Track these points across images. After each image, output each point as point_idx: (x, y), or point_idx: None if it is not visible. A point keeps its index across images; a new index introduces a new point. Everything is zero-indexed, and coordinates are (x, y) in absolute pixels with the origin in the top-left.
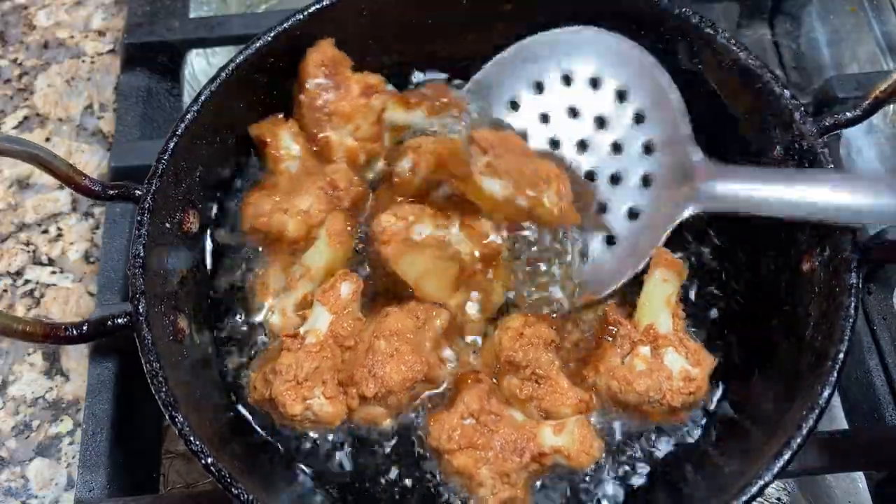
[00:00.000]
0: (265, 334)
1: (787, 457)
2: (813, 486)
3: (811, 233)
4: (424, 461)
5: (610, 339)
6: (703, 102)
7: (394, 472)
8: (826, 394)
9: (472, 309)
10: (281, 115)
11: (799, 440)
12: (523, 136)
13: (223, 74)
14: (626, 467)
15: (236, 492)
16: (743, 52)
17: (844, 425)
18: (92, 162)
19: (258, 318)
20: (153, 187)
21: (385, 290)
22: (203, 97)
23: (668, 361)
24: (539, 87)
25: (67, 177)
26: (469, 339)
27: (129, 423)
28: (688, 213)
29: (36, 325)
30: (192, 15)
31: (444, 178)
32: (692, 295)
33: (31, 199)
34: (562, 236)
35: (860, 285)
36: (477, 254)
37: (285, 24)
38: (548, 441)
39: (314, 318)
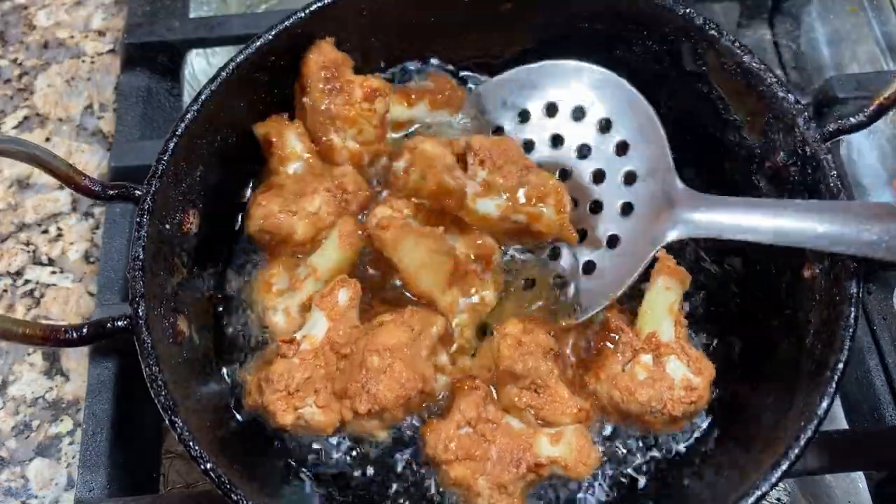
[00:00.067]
0: (266, 335)
1: (784, 466)
2: (813, 486)
3: None
4: (425, 467)
5: (611, 345)
6: (706, 105)
7: (395, 478)
8: (825, 404)
9: (464, 310)
10: (286, 115)
11: (797, 450)
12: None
13: (223, 74)
14: (623, 473)
15: (236, 498)
16: (747, 54)
17: (844, 425)
18: (92, 162)
19: (261, 318)
20: (153, 188)
21: (380, 288)
22: (203, 97)
23: (670, 370)
24: (524, 116)
25: (67, 177)
26: (464, 343)
27: (129, 423)
28: (667, 240)
29: (35, 327)
30: (192, 15)
31: (438, 201)
32: (692, 300)
33: (31, 199)
34: (548, 255)
35: (861, 294)
36: (472, 255)
37: (286, 23)
38: (545, 451)
39: (311, 323)
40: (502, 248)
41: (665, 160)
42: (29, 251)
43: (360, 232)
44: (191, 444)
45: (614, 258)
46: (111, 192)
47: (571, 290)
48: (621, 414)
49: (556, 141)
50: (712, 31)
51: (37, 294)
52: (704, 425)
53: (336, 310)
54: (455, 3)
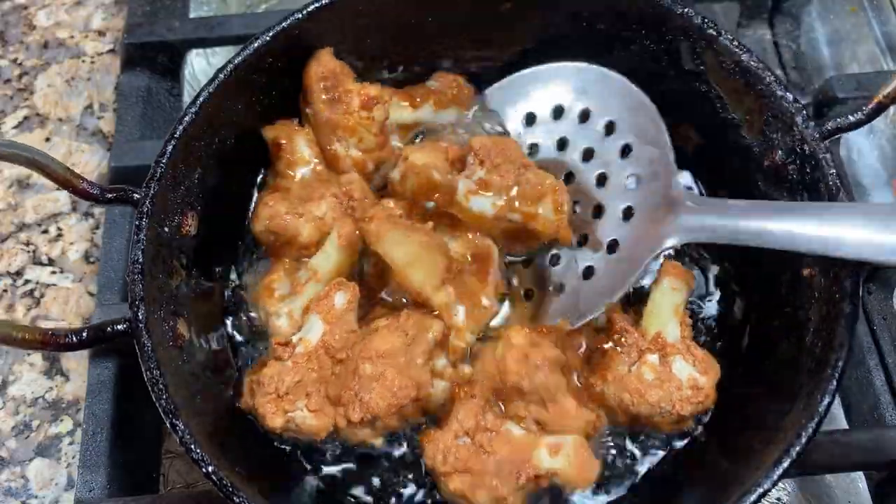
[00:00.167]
0: (269, 339)
1: (785, 464)
2: (813, 486)
3: None
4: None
5: (616, 346)
6: (704, 104)
7: (397, 482)
8: (826, 402)
9: (462, 313)
10: (296, 121)
11: (798, 448)
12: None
13: (221, 76)
14: (624, 472)
15: (238, 500)
16: (745, 53)
17: (844, 425)
18: (92, 162)
19: (265, 323)
20: (151, 191)
21: (379, 291)
22: (201, 99)
23: (677, 370)
24: (531, 118)
25: (65, 180)
26: (464, 347)
27: (129, 423)
28: (665, 246)
29: (35, 332)
30: (192, 15)
31: (427, 196)
32: (693, 298)
33: (31, 199)
34: (548, 262)
35: (860, 292)
36: (468, 256)
37: (283, 24)
38: (545, 463)
39: (308, 326)
40: (503, 252)
41: (667, 162)
42: (29, 251)
43: (358, 233)
44: (192, 447)
45: (613, 263)
46: (109, 196)
47: (570, 295)
48: (630, 415)
49: (562, 144)
50: (711, 31)
51: (37, 294)
52: (705, 423)
53: (332, 313)
54: (454, 4)
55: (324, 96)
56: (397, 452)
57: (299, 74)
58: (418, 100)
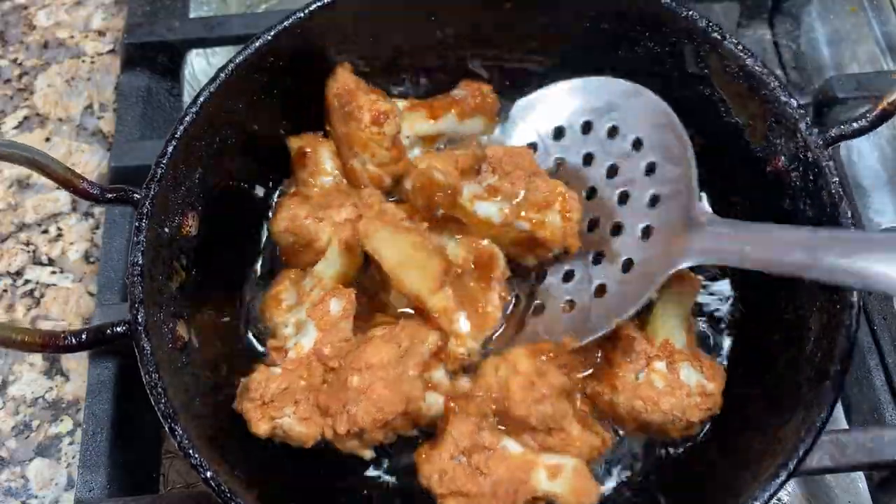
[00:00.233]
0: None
1: (782, 478)
2: (813, 486)
3: None
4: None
5: (624, 354)
6: (707, 108)
7: (401, 490)
8: (825, 414)
9: (462, 319)
10: (321, 133)
11: (795, 462)
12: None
13: (222, 76)
14: (622, 479)
15: None
16: (750, 58)
17: (844, 425)
18: (92, 162)
19: (274, 335)
20: (152, 191)
21: (378, 298)
22: (202, 98)
23: (685, 377)
24: (559, 132)
25: (65, 180)
26: (464, 358)
27: (129, 423)
28: (682, 266)
29: (35, 334)
30: (192, 15)
31: (429, 197)
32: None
33: (31, 199)
34: (561, 278)
35: (861, 303)
36: (471, 260)
37: (285, 24)
38: (543, 486)
39: (303, 332)
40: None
41: (689, 182)
42: (29, 251)
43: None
44: (191, 451)
45: (625, 282)
46: (109, 196)
47: (580, 312)
48: (640, 423)
49: (588, 159)
50: (715, 34)
51: (37, 294)
52: (705, 430)
53: (327, 320)
54: (456, 3)
55: (339, 112)
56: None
57: (300, 74)
58: (440, 111)
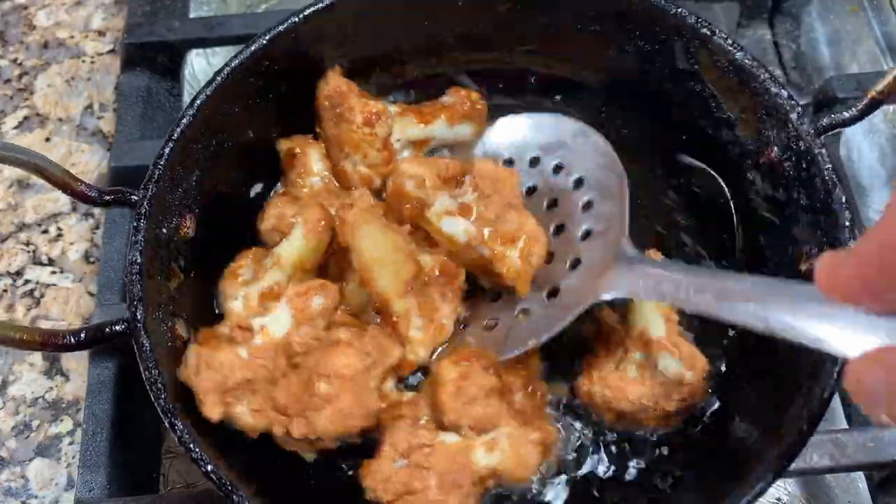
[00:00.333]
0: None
1: (782, 465)
2: (813, 486)
3: (808, 230)
4: None
5: (604, 345)
6: (698, 103)
7: None
8: (822, 405)
9: (419, 326)
10: (311, 136)
11: (795, 450)
12: None
13: (219, 78)
14: (615, 471)
15: (237, 499)
16: (739, 51)
17: (844, 425)
18: (92, 162)
19: (222, 306)
20: (149, 193)
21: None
22: (199, 101)
23: (662, 366)
24: (509, 163)
25: (63, 183)
26: (414, 356)
27: (129, 423)
28: (602, 298)
29: (34, 333)
30: (192, 15)
31: (398, 205)
32: None
33: (31, 199)
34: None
35: None
36: (436, 270)
37: (281, 28)
38: (482, 462)
39: (274, 317)
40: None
41: (621, 220)
42: (29, 251)
43: (324, 222)
44: (191, 446)
45: (549, 308)
46: (107, 198)
47: (500, 330)
48: (616, 413)
49: (531, 191)
50: (704, 30)
51: (37, 294)
52: (700, 419)
53: (305, 313)
54: (452, 5)
55: (330, 114)
56: None
57: (297, 77)
58: (429, 116)
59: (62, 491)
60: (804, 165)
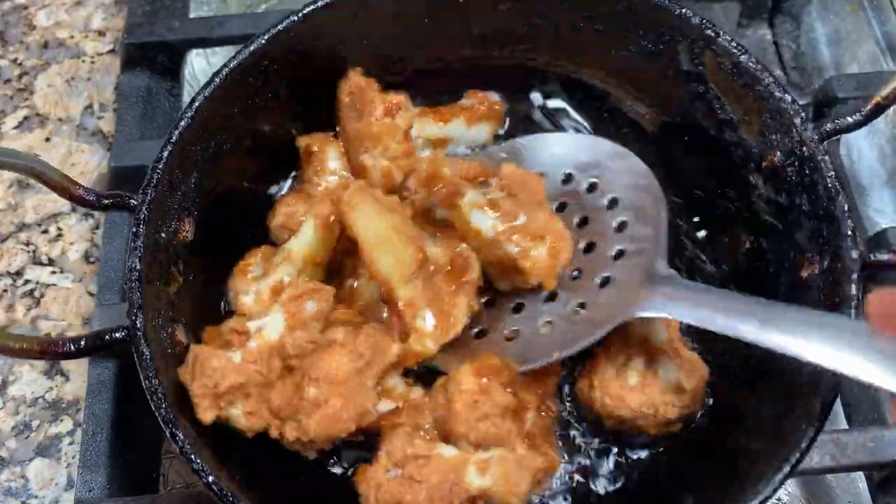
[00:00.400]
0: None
1: (785, 471)
2: (813, 486)
3: (811, 237)
4: None
5: (605, 351)
6: (702, 105)
7: None
8: (825, 409)
9: (427, 317)
10: (331, 134)
11: (797, 456)
12: None
13: (217, 80)
14: (615, 477)
15: None
16: (744, 54)
17: (844, 425)
18: (92, 162)
19: (233, 304)
20: (148, 197)
21: (342, 284)
22: (197, 103)
23: (663, 373)
24: (541, 176)
25: (62, 187)
26: (420, 347)
27: (129, 423)
28: (636, 315)
29: (33, 342)
30: (192, 15)
31: (429, 187)
32: None
33: (31, 199)
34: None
35: (861, 297)
36: (448, 262)
37: (279, 27)
38: (475, 483)
39: (268, 320)
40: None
41: (657, 242)
42: (29, 251)
43: (333, 217)
44: (192, 456)
45: (575, 323)
46: (106, 202)
47: (521, 343)
48: (615, 419)
49: (561, 207)
50: (709, 31)
51: (37, 294)
52: (701, 426)
53: (298, 317)
54: (451, 5)
55: (350, 109)
56: None
57: (296, 77)
58: (447, 116)
59: (62, 491)
60: (807, 171)
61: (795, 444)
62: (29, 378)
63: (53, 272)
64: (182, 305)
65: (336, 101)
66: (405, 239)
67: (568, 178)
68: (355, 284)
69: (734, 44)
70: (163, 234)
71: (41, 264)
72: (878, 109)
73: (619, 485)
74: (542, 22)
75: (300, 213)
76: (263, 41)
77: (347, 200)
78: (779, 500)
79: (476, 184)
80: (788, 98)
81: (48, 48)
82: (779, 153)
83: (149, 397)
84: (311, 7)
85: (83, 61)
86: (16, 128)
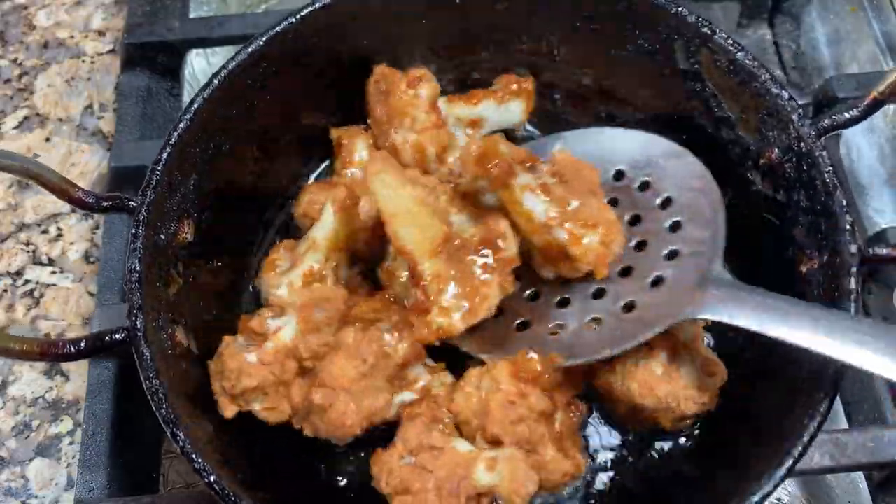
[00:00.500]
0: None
1: (787, 465)
2: (813, 486)
3: (809, 232)
4: None
5: None
6: (699, 103)
7: None
8: (826, 403)
9: (452, 294)
10: (363, 126)
11: (799, 450)
12: None
13: (216, 81)
14: (618, 472)
15: None
16: (740, 52)
17: (845, 425)
18: (92, 162)
19: (267, 300)
20: (148, 198)
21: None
22: (196, 104)
23: (685, 369)
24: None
25: (61, 189)
26: (445, 321)
27: (129, 423)
28: (692, 317)
29: (33, 343)
30: (192, 15)
31: (485, 181)
32: None
33: (31, 199)
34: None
35: (860, 290)
36: (478, 239)
37: (277, 28)
38: (482, 479)
39: (284, 321)
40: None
41: (714, 247)
42: (29, 251)
43: (349, 200)
44: (194, 456)
45: (624, 321)
46: (105, 204)
47: (565, 338)
48: (632, 407)
49: (612, 203)
50: (705, 29)
51: (37, 294)
52: (703, 423)
53: (311, 323)
54: (449, 4)
55: (377, 94)
56: None
57: (295, 77)
58: (477, 98)
59: (62, 491)
60: (805, 167)
61: (797, 438)
62: (29, 378)
63: (53, 272)
64: (181, 306)
65: (365, 92)
66: (429, 211)
67: (619, 175)
68: (385, 265)
69: (730, 41)
70: (162, 236)
71: (41, 264)
72: (876, 105)
73: (619, 482)
74: (538, 21)
75: (321, 202)
76: (262, 42)
77: (370, 168)
78: (779, 500)
79: (525, 168)
80: (785, 94)
81: (48, 48)
82: (776, 150)
83: (149, 398)
84: (310, 8)
85: (83, 61)
86: (16, 128)
